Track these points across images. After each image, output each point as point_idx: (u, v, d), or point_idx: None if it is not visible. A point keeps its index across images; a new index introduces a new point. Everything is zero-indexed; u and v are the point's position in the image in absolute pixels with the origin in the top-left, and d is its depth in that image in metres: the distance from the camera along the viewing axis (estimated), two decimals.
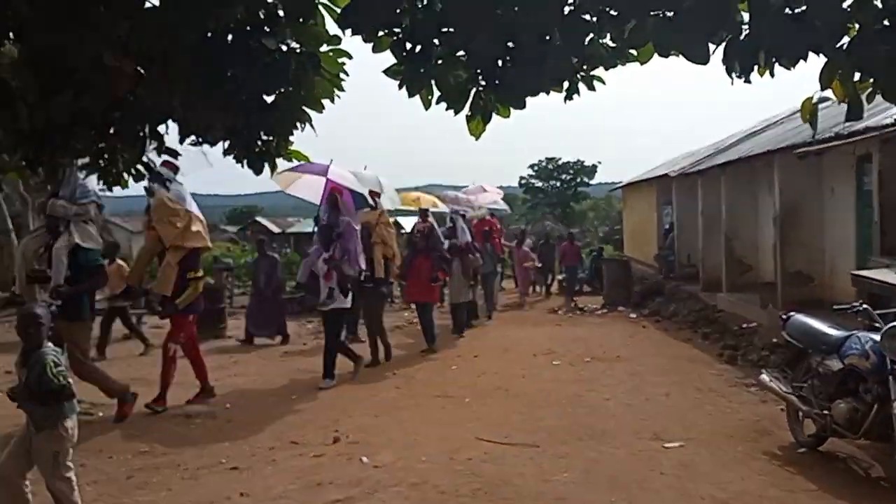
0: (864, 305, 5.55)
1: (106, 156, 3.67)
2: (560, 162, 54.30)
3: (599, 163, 55.59)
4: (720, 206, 14.39)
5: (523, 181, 55.11)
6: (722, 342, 10.74)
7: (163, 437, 6.41)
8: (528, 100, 2.95)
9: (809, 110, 2.47)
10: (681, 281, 16.92)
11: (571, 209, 52.12)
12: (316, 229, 9.46)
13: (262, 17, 3.07)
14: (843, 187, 10.92)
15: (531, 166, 54.81)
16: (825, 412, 5.43)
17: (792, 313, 6.37)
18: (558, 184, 54.14)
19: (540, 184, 54.46)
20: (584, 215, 50.95)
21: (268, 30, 3.07)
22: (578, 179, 54.40)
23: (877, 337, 5.00)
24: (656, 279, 18.25)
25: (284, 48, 3.18)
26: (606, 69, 2.81)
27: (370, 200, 10.66)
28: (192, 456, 5.88)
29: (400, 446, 5.98)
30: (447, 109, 2.90)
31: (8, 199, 16.82)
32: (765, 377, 6.36)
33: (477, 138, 3.01)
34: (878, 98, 2.69)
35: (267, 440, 6.30)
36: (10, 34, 3.40)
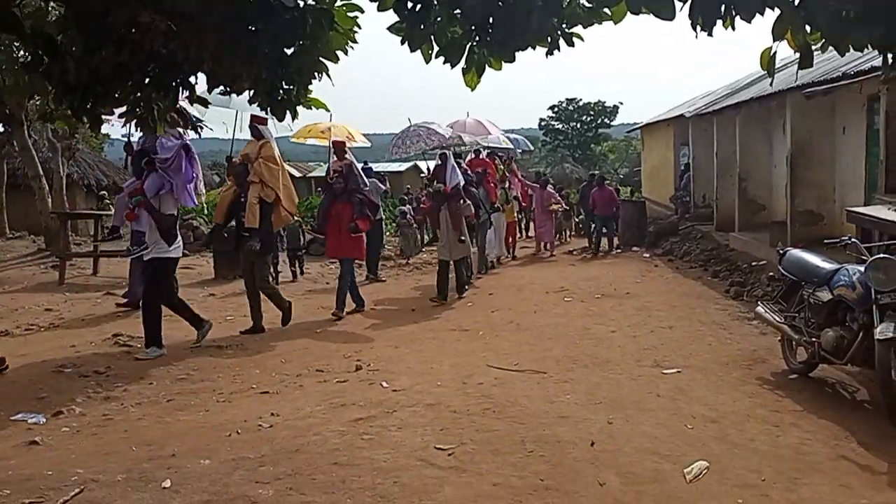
0: (853, 239, 5.83)
1: (142, 104, 4.03)
2: (581, 103, 53.64)
3: (621, 103, 54.88)
4: (735, 147, 14.54)
5: (543, 123, 54.66)
6: (730, 279, 11.05)
7: (198, 365, 6.90)
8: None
9: (767, 60, 2.75)
10: (696, 221, 17.17)
11: (591, 151, 51.78)
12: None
13: None
14: (854, 127, 11.03)
15: (551, 108, 54.23)
16: (814, 340, 5.77)
17: (788, 248, 6.68)
18: (578, 125, 53.60)
19: (560, 126, 53.97)
20: (605, 157, 50.64)
21: None
22: (599, 121, 53.80)
23: (863, 269, 5.27)
24: (671, 220, 18.49)
25: (301, 3, 3.49)
26: (584, 27, 3.15)
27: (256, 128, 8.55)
28: (226, 382, 6.38)
29: (417, 373, 6.42)
30: (444, 63, 3.22)
31: (36, 146, 17.29)
32: (760, 309, 6.70)
33: (473, 89, 3.34)
34: None
35: (294, 368, 6.77)
36: None
